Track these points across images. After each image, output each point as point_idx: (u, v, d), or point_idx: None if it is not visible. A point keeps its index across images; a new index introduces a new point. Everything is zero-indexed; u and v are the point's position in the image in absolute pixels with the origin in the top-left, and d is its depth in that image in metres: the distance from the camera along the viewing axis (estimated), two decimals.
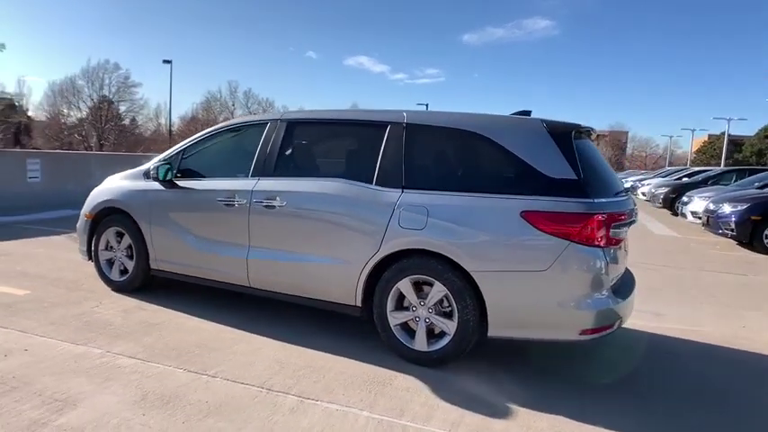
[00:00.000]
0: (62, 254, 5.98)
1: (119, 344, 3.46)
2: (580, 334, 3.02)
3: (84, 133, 44.25)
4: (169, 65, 34.73)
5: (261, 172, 3.94)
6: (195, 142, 4.44)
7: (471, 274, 3.15)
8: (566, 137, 3.18)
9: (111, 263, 4.69)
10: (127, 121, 49.91)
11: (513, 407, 2.91)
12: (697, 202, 13.11)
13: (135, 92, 48.35)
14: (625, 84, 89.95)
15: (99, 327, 3.75)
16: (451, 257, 3.20)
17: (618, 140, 79.19)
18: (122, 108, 47.91)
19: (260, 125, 4.12)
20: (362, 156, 3.72)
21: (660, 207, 17.12)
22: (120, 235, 4.61)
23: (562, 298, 3.03)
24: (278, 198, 3.77)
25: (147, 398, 2.77)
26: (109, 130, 42.37)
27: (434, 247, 3.25)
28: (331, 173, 3.79)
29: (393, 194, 3.41)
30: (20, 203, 8.61)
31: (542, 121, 3.27)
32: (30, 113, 47.57)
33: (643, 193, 21.01)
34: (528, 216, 3.05)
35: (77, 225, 4.88)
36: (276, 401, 2.81)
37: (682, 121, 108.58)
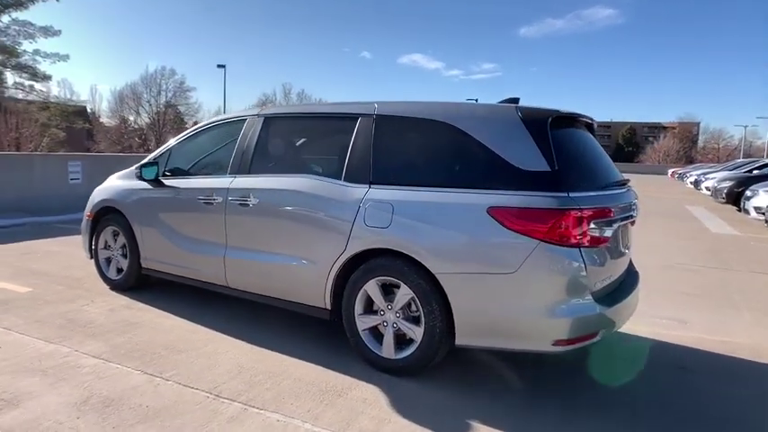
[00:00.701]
0: (80, 252, 6.13)
1: (89, 343, 3.44)
2: (553, 344, 2.69)
3: (143, 136, 46.59)
4: (223, 69, 35.92)
5: (237, 169, 3.83)
6: (182, 140, 4.41)
7: (436, 276, 2.89)
8: (540, 125, 2.84)
9: (109, 261, 4.75)
10: (189, 124, 52.07)
11: (476, 424, 2.62)
12: (763, 197, 12.00)
13: (189, 96, 50.36)
14: (695, 73, 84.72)
15: (79, 325, 3.77)
16: (416, 258, 2.95)
17: (688, 132, 74.57)
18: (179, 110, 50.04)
19: (240, 122, 4.01)
20: (333, 150, 3.52)
21: (724, 202, 15.83)
22: (116, 234, 4.65)
23: (532, 304, 2.71)
24: (251, 196, 3.64)
25: (89, 400, 2.70)
26: (166, 134, 44.30)
27: (399, 247, 3.01)
28: (302, 169, 3.61)
29: (360, 190, 3.20)
30: (61, 204, 9.01)
31: (516, 107, 2.96)
32: (102, 119, 50.76)
33: (707, 188, 19.54)
34: (495, 213, 2.75)
35: (81, 224, 4.98)
36: (218, 409, 2.67)
37: (758, 110, 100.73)
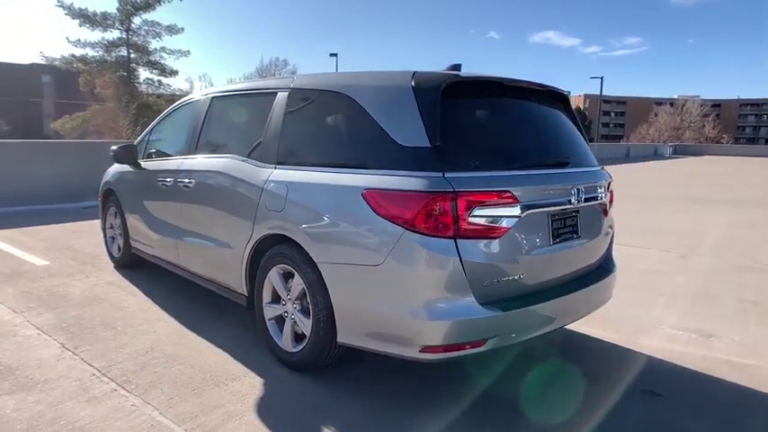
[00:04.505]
0: None
1: (45, 315, 3.66)
2: (421, 351, 2.28)
3: None
4: (335, 58, 37.08)
5: (187, 150, 3.83)
6: (158, 122, 4.51)
7: (318, 265, 2.61)
8: (429, 94, 2.41)
9: (113, 240, 5.05)
10: None
11: (346, 428, 2.33)
12: None
13: None
14: None
15: (55, 298, 4.03)
16: (302, 245, 2.69)
17: None
18: None
19: (194, 102, 4.00)
20: (255, 129, 3.34)
21: None
22: (116, 214, 4.92)
23: (398, 303, 2.32)
24: (189, 178, 3.62)
25: None
26: None
27: (289, 233, 2.77)
28: (230, 149, 3.48)
29: (266, 171, 3.00)
30: None
31: (414, 73, 2.54)
32: None
33: None
34: (368, 196, 2.40)
35: None
36: (91, 387, 2.66)
37: None
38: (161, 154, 4.29)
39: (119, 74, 29.11)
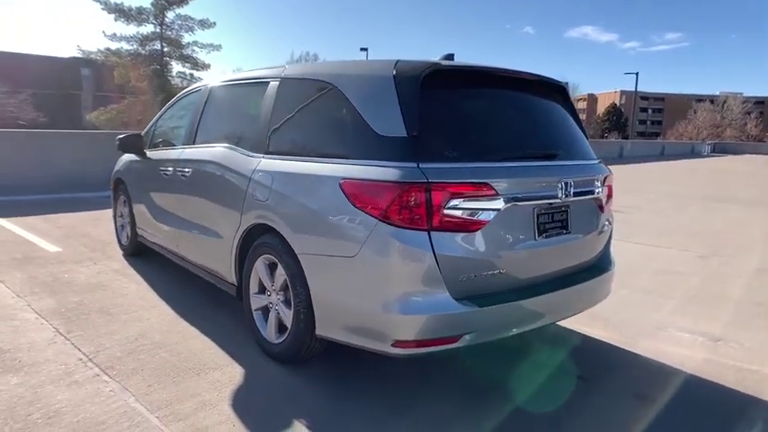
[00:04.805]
0: None
1: (46, 300, 3.74)
2: (393, 346, 2.22)
3: None
4: (365, 52, 37.03)
5: (186, 140, 3.85)
6: (163, 112, 4.55)
7: (298, 256, 2.58)
8: (409, 82, 2.34)
9: (123, 228, 5.14)
10: None
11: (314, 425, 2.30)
12: None
13: None
14: None
15: (59, 284, 4.12)
16: (284, 236, 2.67)
17: None
18: None
19: (196, 92, 4.02)
20: (247, 118, 3.33)
21: None
22: (124, 203, 5.01)
23: (371, 295, 2.27)
24: (187, 167, 3.63)
25: None
26: None
27: (273, 223, 2.75)
28: (224, 139, 3.47)
29: (255, 161, 2.99)
30: None
31: (397, 62, 2.47)
32: None
33: None
34: (345, 186, 2.35)
35: None
36: (75, 371, 2.70)
37: None
38: (165, 143, 4.33)
39: (152, 67, 29.78)
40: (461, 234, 2.23)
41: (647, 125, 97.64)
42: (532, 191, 2.43)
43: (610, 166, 3.16)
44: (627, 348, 3.27)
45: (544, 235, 2.52)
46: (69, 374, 2.67)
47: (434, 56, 2.65)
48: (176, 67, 31.51)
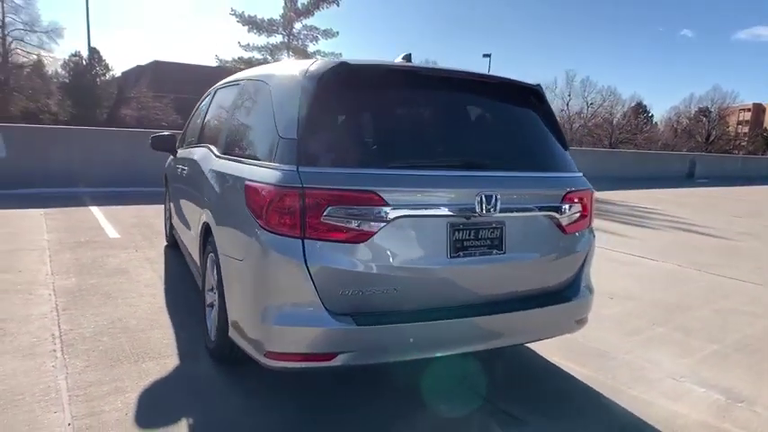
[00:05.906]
0: None
1: (71, 278, 4.19)
2: (265, 356, 2.13)
3: None
4: (488, 58, 36.46)
5: (196, 140, 4.06)
6: (192, 113, 4.85)
7: (219, 256, 2.60)
8: (310, 82, 2.23)
9: (167, 221, 5.58)
10: None
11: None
12: None
13: None
14: None
15: (92, 267, 4.58)
16: (214, 235, 2.71)
17: None
18: None
19: (209, 93, 4.23)
20: (221, 119, 3.42)
21: None
22: (167, 197, 5.43)
23: (250, 302, 2.21)
24: (188, 166, 3.85)
25: None
26: None
27: (210, 222, 2.81)
28: (208, 139, 3.59)
29: (214, 161, 3.07)
30: None
31: (314, 62, 2.38)
32: None
33: None
34: (246, 188, 2.32)
35: None
36: (39, 345, 2.97)
37: None
38: (188, 143, 4.62)
39: None
40: (341, 245, 2.08)
41: None
42: (438, 203, 2.19)
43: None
44: (610, 397, 2.80)
45: (462, 253, 2.25)
46: (32, 347, 2.96)
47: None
48: None
